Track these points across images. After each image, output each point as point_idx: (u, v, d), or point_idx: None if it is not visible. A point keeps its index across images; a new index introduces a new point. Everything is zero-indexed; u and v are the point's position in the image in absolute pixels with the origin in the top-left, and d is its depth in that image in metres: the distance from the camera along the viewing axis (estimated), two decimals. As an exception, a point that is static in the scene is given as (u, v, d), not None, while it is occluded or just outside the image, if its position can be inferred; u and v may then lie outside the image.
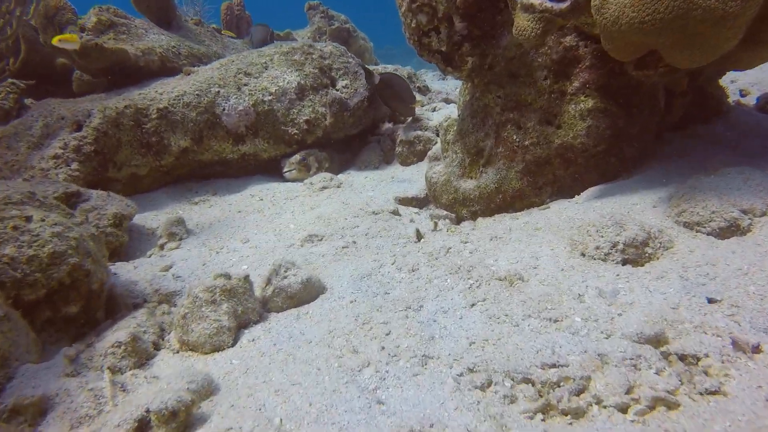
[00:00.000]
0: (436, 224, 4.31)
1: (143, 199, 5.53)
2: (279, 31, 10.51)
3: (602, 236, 3.17)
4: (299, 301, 3.37)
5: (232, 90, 5.70)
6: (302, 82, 5.98)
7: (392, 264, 3.68)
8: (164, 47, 6.30)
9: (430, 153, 6.10)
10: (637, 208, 3.59)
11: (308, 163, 6.00)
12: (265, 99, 5.77)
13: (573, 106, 4.30)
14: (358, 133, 6.36)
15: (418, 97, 7.18)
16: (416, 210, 5.14)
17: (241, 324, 3.15)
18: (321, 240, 4.26)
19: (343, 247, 4.06)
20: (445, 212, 4.95)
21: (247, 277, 3.27)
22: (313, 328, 2.95)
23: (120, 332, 2.94)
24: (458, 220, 5.00)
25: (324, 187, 5.53)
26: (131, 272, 3.99)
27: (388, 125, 6.87)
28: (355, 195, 5.32)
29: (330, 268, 3.76)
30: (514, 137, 4.54)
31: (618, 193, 3.98)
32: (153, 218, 5.12)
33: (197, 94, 5.52)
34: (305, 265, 3.83)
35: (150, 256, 4.36)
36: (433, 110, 7.00)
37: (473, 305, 2.84)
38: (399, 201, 5.23)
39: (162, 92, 5.49)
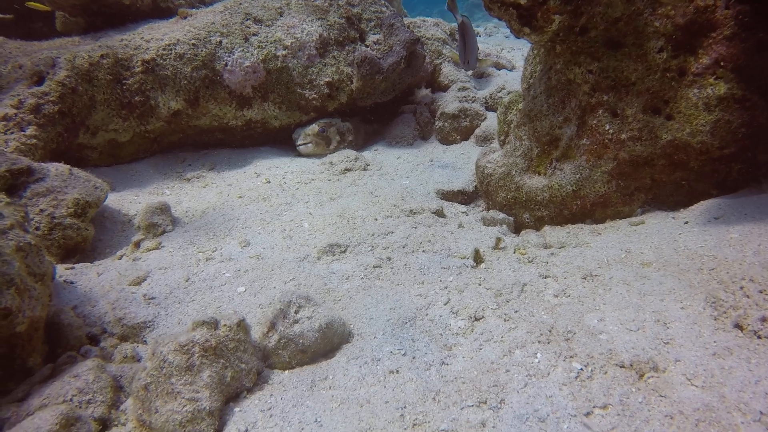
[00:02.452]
0: (498, 241, 3.26)
1: (124, 172, 4.50)
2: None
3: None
4: (314, 354, 2.42)
5: (238, 40, 4.56)
6: (325, 34, 4.81)
7: (445, 304, 2.67)
8: (158, -20, 5.11)
9: (478, 131, 4.99)
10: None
11: (328, 136, 4.90)
12: (278, 54, 4.63)
13: (696, 91, 3.18)
14: (390, 101, 5.22)
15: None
16: (463, 209, 4.09)
17: (231, 395, 2.18)
18: (344, 252, 3.24)
19: (374, 267, 3.04)
20: (501, 215, 3.89)
21: (241, 323, 2.28)
22: (335, 417, 1.98)
23: (46, 413, 1.96)
24: (517, 226, 3.96)
25: (347, 170, 4.46)
26: (92, 282, 3.02)
27: (425, 91, 5.70)
28: (386, 183, 4.25)
29: (357, 300, 2.76)
30: (606, 127, 3.43)
31: (755, 215, 2.90)
32: (133, 199, 4.10)
33: (193, 44, 4.39)
34: (324, 292, 2.83)
35: (121, 258, 3.37)
36: (480, 76, 5.80)
37: (589, 414, 1.82)
38: (442, 195, 4.17)
39: (149, 39, 4.36)
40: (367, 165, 4.60)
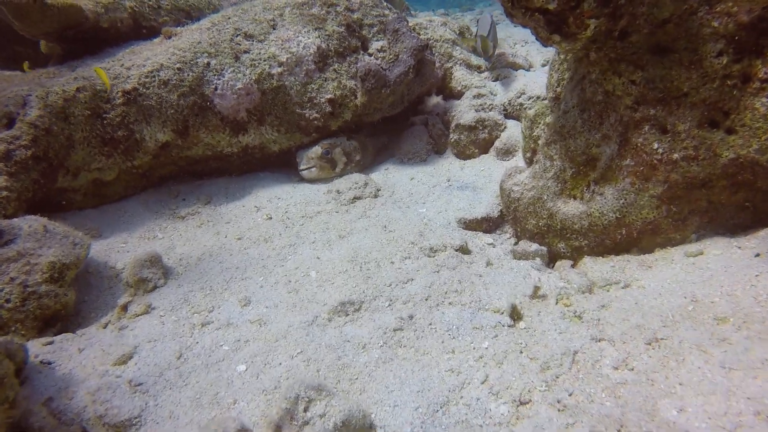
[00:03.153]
0: (536, 290, 2.81)
1: (112, 213, 4.09)
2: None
3: None
4: (330, 461, 1.98)
5: (228, 60, 4.11)
6: (323, 45, 4.35)
7: (482, 382, 2.25)
8: (139, -3, 4.67)
9: (498, 143, 4.52)
10: None
11: (333, 158, 4.45)
12: (273, 72, 4.18)
13: (765, 99, 2.70)
14: (399, 112, 4.75)
15: (474, 59, 5.46)
16: (489, 239, 3.63)
17: None
18: (358, 310, 2.81)
19: (394, 330, 2.62)
20: (533, 246, 3.44)
21: (240, 436, 1.86)
22: None
23: None
24: (552, 256, 3.50)
25: (356, 198, 4.02)
26: (73, 360, 2.63)
27: (436, 99, 5.22)
28: (400, 213, 3.81)
29: (377, 378, 2.34)
30: (655, 146, 2.96)
31: None
32: (121, 248, 3.70)
33: (178, 69, 3.95)
34: (337, 369, 2.41)
35: (106, 326, 2.96)
36: (496, 79, 5.30)
37: None
38: (464, 224, 3.72)
39: (130, 66, 3.93)
40: (378, 190, 4.15)
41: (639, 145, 3.02)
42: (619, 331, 2.39)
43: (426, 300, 2.86)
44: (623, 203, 3.14)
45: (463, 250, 3.36)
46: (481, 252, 3.43)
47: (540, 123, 3.72)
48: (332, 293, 2.97)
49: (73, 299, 3.02)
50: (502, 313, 2.71)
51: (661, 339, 2.27)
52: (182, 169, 4.40)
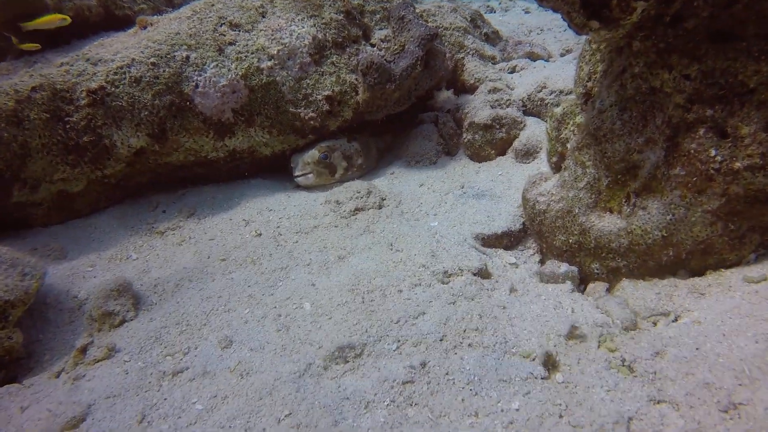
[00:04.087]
0: (573, 330, 2.36)
1: (81, 229, 3.67)
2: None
3: None
4: None
5: (210, 53, 3.64)
6: (320, 35, 3.87)
7: (516, 463, 1.79)
8: (113, -18, 4.19)
9: (517, 144, 4.06)
10: None
11: (332, 163, 3.99)
12: (263, 66, 3.71)
13: None
14: (406, 109, 4.27)
15: (488, 49, 4.96)
16: (512, 257, 3.18)
17: None
18: (360, 355, 2.38)
19: (404, 383, 2.19)
20: (562, 268, 3.00)
21: None
22: None
23: None
24: (583, 277, 3.05)
25: (357, 209, 3.57)
26: (12, 422, 2.21)
27: (446, 93, 4.74)
28: (408, 227, 3.36)
29: (384, 453, 1.90)
30: (712, 152, 2.51)
31: None
32: (87, 272, 3.27)
33: (153, 64, 3.49)
34: (334, 438, 1.97)
35: (59, 375, 2.54)
36: (512, 71, 4.81)
37: None
38: (482, 241, 3.27)
39: (97, 61, 3.47)
40: (383, 200, 3.69)
41: (692, 151, 2.55)
42: (683, 391, 1.94)
43: (441, 341, 2.41)
44: (671, 219, 2.68)
45: (483, 273, 2.91)
46: (502, 275, 2.98)
47: (569, 123, 3.25)
48: (329, 332, 2.53)
49: (20, 342, 2.59)
50: (534, 359, 2.26)
51: (740, 405, 1.82)
52: (162, 177, 3.95)
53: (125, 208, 3.87)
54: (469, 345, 2.40)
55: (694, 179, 2.58)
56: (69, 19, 3.57)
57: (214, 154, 3.85)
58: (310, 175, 3.97)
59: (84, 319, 2.91)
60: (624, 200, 2.88)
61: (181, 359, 2.55)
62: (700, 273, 2.79)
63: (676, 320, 2.52)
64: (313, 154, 3.97)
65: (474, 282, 2.80)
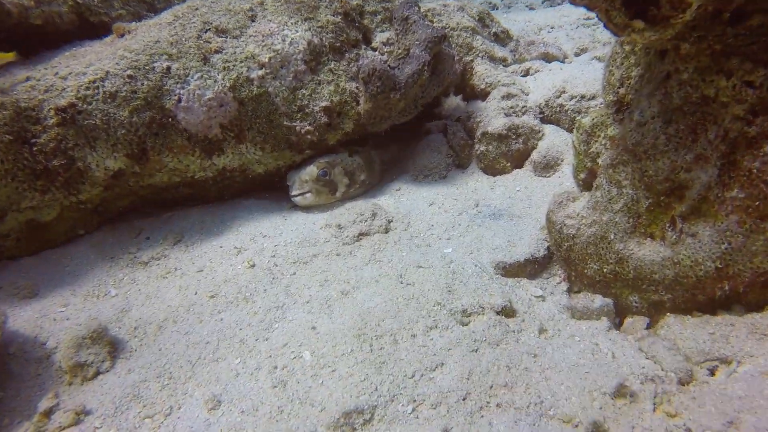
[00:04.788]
0: (621, 388, 1.99)
1: (54, 262, 3.31)
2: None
3: None
4: None
5: (194, 63, 3.27)
6: (316, 40, 3.50)
7: None
8: (87, -15, 3.80)
9: (535, 155, 3.69)
10: None
11: (332, 180, 3.62)
12: (253, 76, 3.34)
13: None
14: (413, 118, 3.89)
15: (498, 50, 4.57)
16: (537, 290, 2.81)
17: None
18: (369, 421, 2.03)
19: (423, 459, 1.80)
20: (597, 302, 2.65)
21: None
22: None
23: None
24: (619, 310, 2.68)
25: (361, 234, 3.20)
26: None
27: (454, 100, 4.36)
28: (419, 255, 2.99)
29: None
30: (778, 172, 2.11)
31: None
32: (59, 313, 2.90)
33: (129, 77, 3.11)
34: None
35: (20, 448, 2.17)
36: (526, 74, 4.42)
37: None
38: (503, 270, 2.89)
39: (66, 75, 3.10)
40: (390, 222, 3.31)
41: (754, 171, 2.18)
42: (773, 479, 1.56)
43: (464, 400, 2.05)
44: (727, 248, 2.31)
45: (507, 311, 2.54)
46: (529, 311, 2.61)
47: (600, 136, 2.87)
48: (333, 389, 2.16)
49: (-23, 406, 2.22)
50: (577, 426, 1.89)
51: None
52: (145, 200, 3.58)
53: (105, 235, 3.49)
54: (498, 405, 2.03)
55: (757, 203, 2.20)
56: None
57: (202, 174, 3.47)
58: (309, 195, 3.59)
59: (53, 371, 2.54)
60: (668, 225, 2.50)
61: (162, 422, 2.18)
62: (758, 308, 2.42)
63: (738, 369, 2.15)
64: (311, 171, 3.59)
65: (498, 323, 2.43)
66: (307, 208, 3.68)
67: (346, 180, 3.68)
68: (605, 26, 2.29)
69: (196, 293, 2.96)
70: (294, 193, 3.61)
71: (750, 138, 2.17)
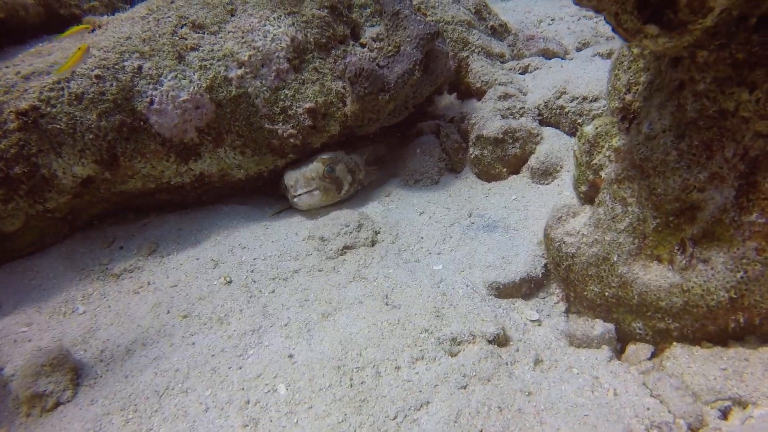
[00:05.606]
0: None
1: (20, 274, 3.08)
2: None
3: None
4: None
5: (168, 62, 3.00)
6: (299, 36, 3.22)
7: None
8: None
9: (533, 161, 3.44)
10: None
11: (338, 177, 3.36)
12: (231, 75, 3.07)
13: None
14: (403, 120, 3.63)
15: (496, 45, 4.28)
16: (533, 313, 2.59)
17: None
18: (347, 473, 1.77)
19: None
20: (597, 329, 2.43)
21: None
22: None
23: None
24: (621, 335, 2.45)
25: (346, 248, 2.97)
26: None
27: (448, 98, 4.08)
28: (406, 273, 2.76)
29: None
30: (804, 196, 1.87)
31: None
32: (21, 334, 2.68)
33: (97, 77, 2.85)
34: None
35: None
36: (524, 71, 4.14)
37: None
38: (496, 291, 2.65)
39: (29, 74, 2.83)
40: (377, 233, 3.08)
41: (776, 193, 1.93)
42: None
43: (452, 452, 1.82)
44: (742, 278, 2.08)
45: (500, 340, 2.32)
46: (524, 338, 2.39)
47: (603, 147, 2.61)
48: (309, 430, 1.93)
49: None
50: (576, 483, 1.67)
51: None
52: (119, 207, 3.34)
53: (75, 244, 3.25)
54: (489, 454, 1.80)
55: (777, 228, 1.96)
56: None
57: (179, 180, 3.22)
58: (316, 192, 3.32)
59: (9, 401, 2.32)
60: (677, 248, 2.26)
61: (121, 470, 1.96)
62: (774, 340, 2.19)
63: (754, 412, 1.93)
64: (317, 167, 3.31)
65: (490, 354, 2.21)
66: (309, 208, 3.38)
67: (349, 177, 3.44)
68: (614, 30, 2.03)
69: (168, 312, 2.72)
70: (300, 191, 3.32)
71: (773, 156, 1.92)
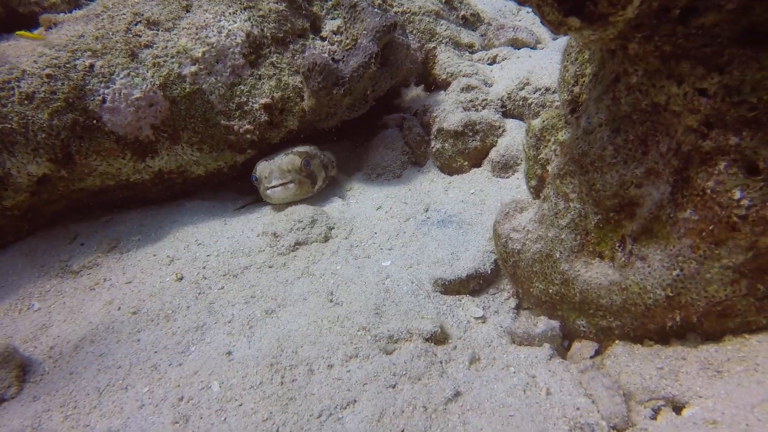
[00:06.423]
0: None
1: (-21, 272, 3.04)
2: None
3: None
4: None
5: (120, 60, 2.96)
6: (256, 31, 3.17)
7: None
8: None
9: (494, 154, 3.37)
10: None
11: (313, 171, 3.29)
12: (185, 72, 3.03)
13: None
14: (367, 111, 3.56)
15: (465, 36, 4.17)
16: (479, 310, 2.53)
17: None
18: (263, 473, 1.75)
19: None
20: (540, 326, 2.38)
21: None
22: None
23: None
24: (566, 333, 2.40)
25: (298, 244, 2.93)
26: None
27: (415, 91, 4.00)
28: (354, 270, 2.72)
29: None
30: (735, 193, 1.83)
31: None
32: (-25, 331, 2.65)
33: (49, 76, 2.83)
34: None
35: None
36: (492, 62, 4.04)
37: None
38: (443, 288, 2.60)
39: (-21, 74, 2.79)
40: (331, 229, 3.03)
41: (708, 190, 1.87)
42: None
43: (370, 453, 1.78)
44: (679, 275, 2.01)
45: (437, 337, 2.27)
46: (464, 336, 2.34)
47: (550, 141, 2.54)
48: (235, 428, 1.92)
49: None
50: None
51: None
52: (81, 204, 3.32)
53: (37, 241, 3.25)
54: (407, 454, 1.76)
55: (711, 227, 1.89)
56: None
57: (138, 177, 3.20)
58: (291, 185, 3.25)
59: (-45, 399, 2.32)
60: (618, 244, 2.19)
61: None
62: (715, 337, 2.12)
63: (681, 413, 1.87)
64: (293, 159, 3.25)
65: (424, 352, 2.17)
66: (280, 202, 3.31)
67: (323, 173, 3.38)
68: (541, 22, 1.94)
69: (119, 309, 2.72)
70: (274, 183, 3.24)
71: (704, 153, 1.84)
